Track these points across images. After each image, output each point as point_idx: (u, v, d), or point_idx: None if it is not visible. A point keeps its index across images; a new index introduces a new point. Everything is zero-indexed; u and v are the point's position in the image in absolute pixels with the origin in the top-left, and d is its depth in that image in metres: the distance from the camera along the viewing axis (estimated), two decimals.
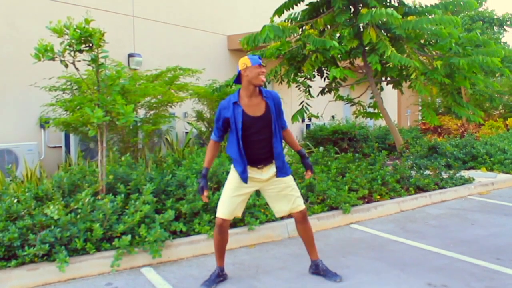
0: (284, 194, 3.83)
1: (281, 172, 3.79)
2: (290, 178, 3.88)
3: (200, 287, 3.78)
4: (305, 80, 8.53)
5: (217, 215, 3.78)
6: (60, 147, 8.25)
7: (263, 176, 3.77)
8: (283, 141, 3.87)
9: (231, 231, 4.84)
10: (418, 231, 5.51)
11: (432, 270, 4.17)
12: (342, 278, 3.90)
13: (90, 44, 4.87)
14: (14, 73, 7.78)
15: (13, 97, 7.82)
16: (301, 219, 3.91)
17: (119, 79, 5.24)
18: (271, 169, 3.80)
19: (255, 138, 3.68)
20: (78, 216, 4.34)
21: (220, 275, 3.91)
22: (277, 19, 8.13)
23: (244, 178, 3.69)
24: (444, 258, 4.52)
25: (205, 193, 3.74)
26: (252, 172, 3.74)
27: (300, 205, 3.88)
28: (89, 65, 4.97)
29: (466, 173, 8.74)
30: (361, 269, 4.21)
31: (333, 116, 14.38)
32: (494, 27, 22.13)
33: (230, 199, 3.74)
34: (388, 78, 8.86)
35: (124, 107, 4.86)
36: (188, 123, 9.70)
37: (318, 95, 9.00)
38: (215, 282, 3.84)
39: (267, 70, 8.32)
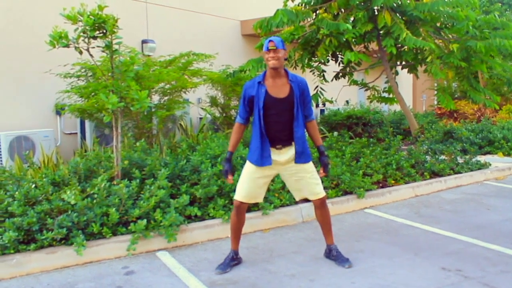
0: (304, 181, 3.82)
1: (300, 158, 3.76)
2: (310, 165, 3.84)
3: (215, 270, 3.82)
4: (319, 64, 8.47)
5: (235, 197, 3.83)
6: (76, 133, 8.34)
7: (281, 158, 3.75)
8: (305, 130, 3.83)
9: (246, 216, 4.87)
10: (433, 216, 5.49)
11: (446, 255, 4.16)
12: (352, 264, 3.88)
13: (104, 31, 4.89)
14: (30, 61, 7.85)
15: (29, 85, 7.90)
16: (320, 205, 3.91)
17: (133, 65, 5.26)
18: (290, 152, 3.76)
19: (276, 120, 3.67)
20: (94, 201, 4.40)
21: (235, 259, 3.95)
22: (290, 4, 8.06)
23: (263, 159, 3.71)
24: (459, 243, 4.51)
25: (230, 176, 3.80)
26: (272, 152, 3.75)
27: (320, 192, 3.87)
28: (103, 51, 5.00)
29: (482, 158, 8.65)
30: (375, 253, 4.22)
31: (347, 101, 14.30)
32: None
33: (249, 182, 3.77)
34: (403, 62, 8.75)
35: (139, 93, 4.89)
36: (202, 108, 9.72)
37: (332, 80, 8.93)
38: (230, 265, 3.87)
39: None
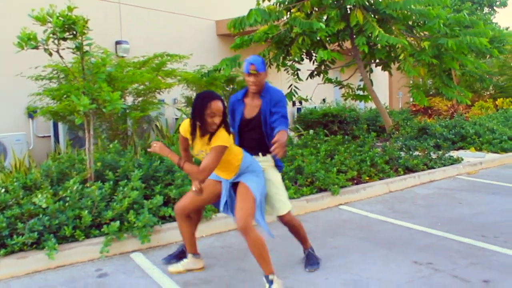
0: (270, 194, 3.70)
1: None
2: (278, 177, 3.74)
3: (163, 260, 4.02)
4: (293, 63, 8.51)
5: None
6: (49, 136, 8.21)
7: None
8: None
9: (220, 215, 4.89)
10: (406, 211, 5.57)
11: (419, 249, 4.23)
12: (314, 269, 3.79)
13: (74, 32, 4.82)
14: (0, 63, 7.70)
15: (0, 88, 7.76)
16: (285, 223, 3.78)
17: (105, 66, 5.22)
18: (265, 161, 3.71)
19: (249, 136, 3.72)
20: (67, 204, 4.34)
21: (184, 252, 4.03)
22: (266, 3, 8.07)
23: None
24: (431, 237, 4.58)
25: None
26: None
27: (281, 208, 3.70)
28: (73, 53, 4.94)
29: (455, 154, 8.81)
30: (349, 249, 4.26)
31: (324, 100, 14.38)
32: (484, 8, 22.09)
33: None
34: (377, 60, 8.85)
35: (110, 94, 4.85)
36: (178, 109, 9.67)
37: (307, 79, 8.98)
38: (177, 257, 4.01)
39: (255, 53, 8.28)
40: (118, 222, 4.22)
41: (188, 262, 3.81)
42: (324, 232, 4.81)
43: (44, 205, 4.21)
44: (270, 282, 3.29)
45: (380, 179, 6.68)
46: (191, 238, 3.79)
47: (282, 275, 3.62)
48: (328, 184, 5.82)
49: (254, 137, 3.70)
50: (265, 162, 3.69)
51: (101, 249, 4.13)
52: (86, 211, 4.25)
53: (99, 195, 4.44)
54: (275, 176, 3.72)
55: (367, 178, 6.58)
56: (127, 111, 6.99)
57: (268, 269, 3.33)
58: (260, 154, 3.69)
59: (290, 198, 5.42)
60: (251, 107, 3.69)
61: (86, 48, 4.95)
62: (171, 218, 4.73)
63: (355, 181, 6.42)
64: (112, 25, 9.65)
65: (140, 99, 7.37)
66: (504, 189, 6.66)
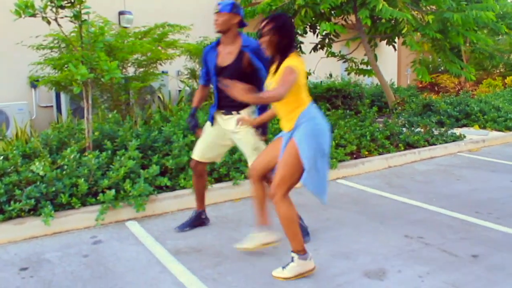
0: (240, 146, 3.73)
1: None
2: (250, 139, 3.65)
3: (174, 229, 4.08)
4: (296, 36, 8.42)
5: (192, 156, 3.98)
6: (51, 106, 8.26)
7: (226, 125, 3.75)
8: None
9: (216, 186, 4.93)
10: (403, 186, 5.58)
11: (411, 223, 4.26)
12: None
13: (72, 0, 4.80)
14: (1, 32, 7.69)
15: (1, 57, 7.77)
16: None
17: (103, 35, 5.21)
18: (232, 120, 3.68)
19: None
20: (64, 172, 4.39)
21: (195, 219, 4.13)
22: None
23: (210, 118, 3.84)
24: (425, 212, 4.60)
25: (198, 131, 3.91)
26: (218, 116, 3.79)
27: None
28: (71, 21, 4.92)
29: (458, 131, 8.74)
30: (341, 222, 4.29)
31: (330, 74, 14.28)
32: None
33: (201, 139, 3.89)
34: (381, 34, 8.74)
35: (108, 64, 4.84)
36: (181, 81, 9.66)
37: (310, 52, 8.91)
38: (189, 225, 4.11)
39: (259, 25, 8.21)
40: (114, 191, 4.28)
41: (260, 235, 3.51)
42: (318, 205, 4.83)
43: (41, 173, 4.27)
44: (291, 259, 3.15)
45: (380, 154, 6.67)
46: (263, 206, 3.47)
47: (273, 246, 3.66)
48: None
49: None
50: (231, 120, 3.69)
51: (97, 217, 4.19)
52: (83, 179, 4.30)
53: (96, 164, 4.48)
54: (248, 138, 3.64)
55: (367, 153, 6.57)
56: (128, 81, 7.00)
57: (295, 246, 3.13)
58: (233, 111, 3.68)
59: None
60: (224, 55, 3.65)
61: (84, 17, 4.93)
62: (168, 188, 4.79)
63: (354, 156, 6.42)
64: None
65: (141, 69, 7.36)
66: (503, 166, 6.64)
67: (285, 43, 3.05)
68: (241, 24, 3.68)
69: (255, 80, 3.59)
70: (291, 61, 2.98)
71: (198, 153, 3.90)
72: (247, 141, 3.67)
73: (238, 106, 3.63)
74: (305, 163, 2.99)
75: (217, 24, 3.58)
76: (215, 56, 3.70)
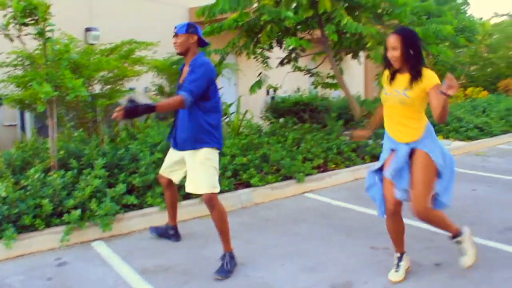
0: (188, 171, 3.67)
1: (185, 144, 3.63)
2: (199, 153, 3.57)
3: (149, 229, 4.34)
4: (263, 51, 8.52)
5: None
6: (15, 125, 8.09)
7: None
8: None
9: (184, 203, 4.91)
10: (369, 198, 5.64)
11: (377, 235, 4.32)
12: (221, 277, 3.45)
13: (35, 17, 4.76)
14: None
15: None
16: (206, 204, 3.62)
17: (68, 53, 5.16)
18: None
19: None
20: (28, 193, 4.31)
21: (164, 230, 4.28)
22: None
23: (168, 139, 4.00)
24: None
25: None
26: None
27: (198, 188, 3.57)
28: (35, 39, 4.87)
29: None
30: (309, 236, 4.33)
31: (298, 88, 14.44)
32: None
33: (167, 156, 4.01)
34: (347, 48, 8.90)
35: (73, 82, 4.80)
36: (148, 97, 9.61)
37: (277, 67, 9.00)
38: (160, 232, 4.29)
39: (225, 41, 8.27)
40: (79, 211, 4.22)
41: (405, 263, 3.47)
42: (287, 219, 4.87)
43: (3, 194, 4.18)
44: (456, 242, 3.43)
45: (347, 166, 6.77)
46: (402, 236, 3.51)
47: (241, 262, 3.67)
48: (294, 172, 5.88)
49: None
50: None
51: (62, 238, 4.12)
52: (47, 200, 4.22)
53: (61, 184, 4.42)
54: (196, 154, 3.57)
55: (333, 166, 6.66)
56: (95, 99, 6.92)
57: (453, 232, 3.39)
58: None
59: (255, 186, 5.51)
60: (184, 74, 3.76)
61: (48, 34, 4.88)
62: (135, 207, 4.74)
63: (321, 169, 6.49)
64: (82, 12, 9.51)
65: (108, 87, 7.30)
66: (465, 176, 6.82)
67: (413, 55, 3.16)
68: (202, 43, 3.74)
69: (207, 94, 3.56)
70: (435, 76, 3.12)
71: (162, 167, 4.06)
72: (195, 155, 3.58)
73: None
74: (440, 171, 3.20)
75: (176, 46, 3.67)
76: (179, 77, 3.84)
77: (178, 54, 3.71)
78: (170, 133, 3.97)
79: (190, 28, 3.64)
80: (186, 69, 3.70)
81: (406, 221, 4.62)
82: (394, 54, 3.16)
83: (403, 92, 3.17)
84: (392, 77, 3.30)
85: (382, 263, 3.66)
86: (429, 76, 3.11)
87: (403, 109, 3.20)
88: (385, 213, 3.43)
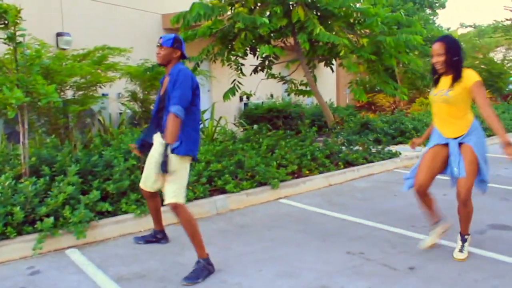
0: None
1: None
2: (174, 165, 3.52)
3: (133, 238, 4.38)
4: (237, 58, 8.56)
5: None
6: None
7: (158, 146, 3.82)
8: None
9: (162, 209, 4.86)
10: (344, 204, 5.74)
11: (352, 240, 4.39)
12: (188, 283, 3.44)
13: (5, 21, 4.68)
14: None
15: None
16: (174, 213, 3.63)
17: (40, 58, 5.08)
18: (157, 139, 3.86)
19: (161, 114, 3.82)
20: None
21: (153, 236, 4.35)
22: None
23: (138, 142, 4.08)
24: (365, 228, 4.76)
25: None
26: (157, 138, 3.89)
27: (167, 196, 3.56)
28: (4, 43, 4.78)
29: (394, 148, 9.13)
30: (285, 241, 4.36)
31: (271, 95, 14.54)
32: (426, 9, 22.93)
33: (145, 167, 4.05)
34: (319, 56, 9.03)
35: (45, 87, 4.72)
36: (122, 103, 9.52)
37: (251, 74, 9.06)
38: (145, 240, 4.33)
39: (199, 48, 8.29)
40: (52, 218, 4.15)
41: (437, 230, 4.09)
42: (262, 225, 4.89)
43: None
44: (462, 240, 3.89)
45: (320, 173, 6.85)
46: (432, 206, 4.04)
47: (218, 268, 3.67)
48: (268, 178, 5.92)
49: (161, 115, 3.78)
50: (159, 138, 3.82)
51: (34, 246, 4.04)
52: (19, 207, 4.13)
53: (33, 191, 4.33)
54: (172, 163, 3.50)
55: (307, 172, 6.73)
56: (67, 105, 6.82)
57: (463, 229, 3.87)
58: (161, 136, 3.78)
59: (230, 192, 5.52)
60: (164, 84, 3.81)
61: (19, 39, 4.81)
62: (109, 214, 4.69)
63: (296, 175, 6.55)
64: (53, 16, 9.37)
65: (80, 92, 7.21)
66: (436, 181, 6.94)
67: (456, 59, 3.61)
68: (182, 57, 3.79)
69: (170, 99, 3.56)
70: (475, 75, 3.58)
71: (141, 180, 4.12)
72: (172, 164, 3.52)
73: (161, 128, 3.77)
74: (481, 163, 3.64)
75: (158, 57, 3.69)
76: (161, 87, 3.86)
77: (159, 64, 3.73)
78: (147, 134, 3.98)
79: (175, 43, 3.67)
80: (167, 79, 3.72)
81: (380, 226, 4.75)
82: (438, 59, 3.64)
83: (446, 92, 3.65)
84: (437, 81, 3.79)
85: (358, 267, 3.71)
86: (469, 75, 3.58)
87: (448, 107, 3.67)
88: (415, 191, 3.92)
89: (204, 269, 3.57)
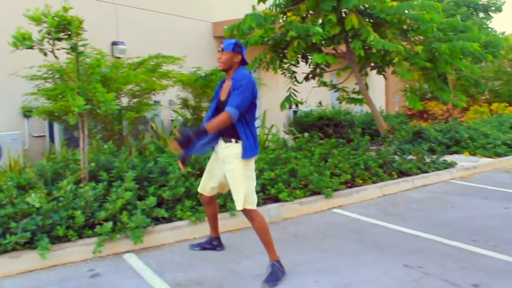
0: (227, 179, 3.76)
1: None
2: (239, 169, 3.64)
3: (189, 245, 4.39)
4: (289, 66, 8.55)
5: None
6: (44, 136, 8.22)
7: (219, 151, 3.82)
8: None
9: None
10: (399, 215, 5.60)
11: (409, 252, 4.26)
12: (270, 286, 3.52)
13: (69, 32, 4.84)
14: None
15: None
16: (248, 219, 3.75)
17: (100, 67, 5.24)
18: (220, 146, 3.80)
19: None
20: (60, 204, 4.35)
21: (209, 243, 4.35)
22: (261, 6, 8.10)
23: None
24: (423, 241, 4.61)
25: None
26: (218, 145, 3.86)
27: (237, 203, 3.66)
28: (68, 53, 4.96)
29: (449, 158, 8.86)
30: (340, 252, 4.29)
31: (320, 102, 14.44)
32: (480, 13, 22.20)
33: (204, 172, 4.05)
34: (372, 64, 8.90)
35: (105, 95, 4.86)
36: (173, 110, 9.69)
37: (302, 82, 9.03)
38: (201, 247, 4.33)
39: (251, 57, 8.32)
40: (111, 223, 4.24)
41: None
42: (316, 234, 4.83)
43: (37, 205, 4.22)
44: None
45: (374, 182, 6.71)
46: None
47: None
48: (322, 187, 5.85)
49: None
50: (227, 149, 3.72)
51: (94, 250, 4.14)
52: (80, 211, 4.26)
53: (93, 196, 4.45)
54: (237, 168, 3.63)
55: (361, 181, 6.61)
56: (122, 112, 7.01)
57: None
58: (223, 140, 3.76)
59: (283, 201, 5.48)
60: (224, 89, 3.78)
61: (81, 48, 4.97)
62: (164, 220, 4.75)
63: (349, 185, 6.45)
64: (108, 26, 9.67)
65: (135, 100, 7.39)
66: (495, 193, 6.71)
67: None
68: (243, 63, 3.77)
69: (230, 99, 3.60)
70: None
71: (201, 184, 4.12)
72: (237, 168, 3.65)
73: (226, 133, 3.71)
74: None
75: (219, 62, 3.69)
76: (218, 91, 3.86)
77: (221, 70, 3.74)
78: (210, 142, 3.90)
79: (236, 48, 3.67)
80: (228, 83, 3.72)
81: (438, 239, 4.59)
82: None
83: None
84: None
85: (417, 282, 3.60)
86: None
87: None
88: None
89: (279, 270, 3.65)
